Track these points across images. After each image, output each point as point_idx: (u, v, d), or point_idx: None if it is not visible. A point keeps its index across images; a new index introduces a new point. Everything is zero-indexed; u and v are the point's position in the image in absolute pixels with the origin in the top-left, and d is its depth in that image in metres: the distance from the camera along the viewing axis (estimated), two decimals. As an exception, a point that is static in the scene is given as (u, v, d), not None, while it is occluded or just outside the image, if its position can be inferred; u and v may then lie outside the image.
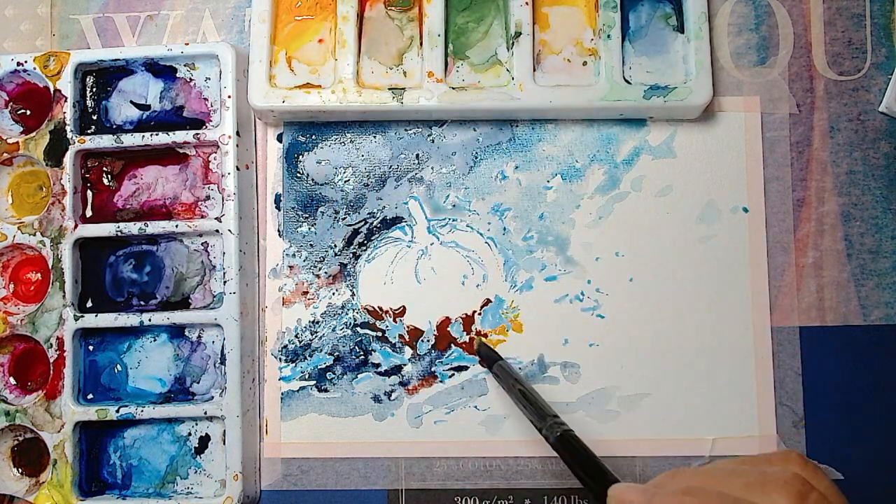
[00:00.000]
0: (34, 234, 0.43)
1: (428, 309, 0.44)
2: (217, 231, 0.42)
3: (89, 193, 0.44)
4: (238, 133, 0.43)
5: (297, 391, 0.44)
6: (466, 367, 0.43)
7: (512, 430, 0.43)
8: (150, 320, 0.42)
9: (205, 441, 0.43)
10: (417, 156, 0.45)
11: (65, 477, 0.41)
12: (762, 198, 0.44)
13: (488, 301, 0.44)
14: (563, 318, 0.43)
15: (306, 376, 0.44)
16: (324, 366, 0.44)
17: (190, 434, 0.43)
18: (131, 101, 0.44)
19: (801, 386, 0.43)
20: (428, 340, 0.44)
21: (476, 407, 0.43)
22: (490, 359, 0.42)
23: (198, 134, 0.43)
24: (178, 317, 0.42)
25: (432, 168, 0.44)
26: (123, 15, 0.46)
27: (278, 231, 0.45)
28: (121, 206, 0.44)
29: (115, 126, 0.44)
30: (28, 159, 0.44)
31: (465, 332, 0.44)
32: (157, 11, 0.46)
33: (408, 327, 0.44)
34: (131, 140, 0.43)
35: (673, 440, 0.43)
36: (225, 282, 0.42)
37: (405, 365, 0.44)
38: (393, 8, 0.44)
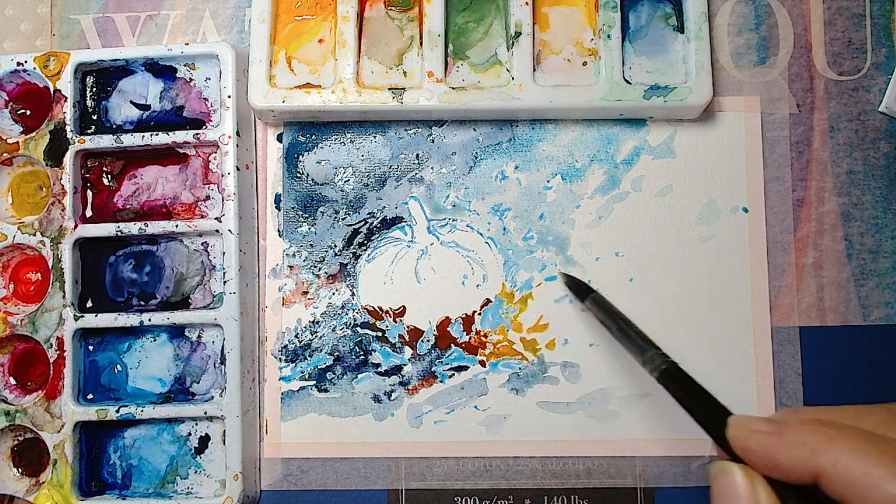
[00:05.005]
0: (34, 234, 0.43)
1: (428, 309, 0.44)
2: (217, 231, 0.42)
3: (89, 193, 0.44)
4: (238, 133, 0.43)
5: (297, 391, 0.44)
6: (466, 367, 0.43)
7: (512, 430, 0.43)
8: (150, 320, 0.42)
9: (205, 441, 0.43)
10: (417, 156, 0.45)
11: (65, 477, 0.41)
12: (762, 198, 0.44)
13: (488, 301, 0.44)
14: (563, 318, 0.43)
15: (306, 376, 0.44)
16: (324, 366, 0.44)
17: (190, 434, 0.43)
18: (131, 101, 0.44)
19: (801, 386, 0.43)
20: (428, 340, 0.44)
21: (476, 407, 0.43)
22: (581, 290, 0.41)
23: (198, 134, 0.43)
24: (178, 317, 0.42)
25: (432, 168, 0.44)
26: (123, 15, 0.46)
27: (278, 231, 0.45)
28: (121, 206, 0.44)
29: (115, 126, 0.44)
30: (28, 159, 0.44)
31: (465, 332, 0.44)
32: (157, 11, 0.46)
33: (408, 327, 0.44)
34: (131, 140, 0.43)
35: (673, 440, 0.43)
36: (225, 282, 0.42)
37: (405, 365, 0.44)
38: (393, 8, 0.44)
